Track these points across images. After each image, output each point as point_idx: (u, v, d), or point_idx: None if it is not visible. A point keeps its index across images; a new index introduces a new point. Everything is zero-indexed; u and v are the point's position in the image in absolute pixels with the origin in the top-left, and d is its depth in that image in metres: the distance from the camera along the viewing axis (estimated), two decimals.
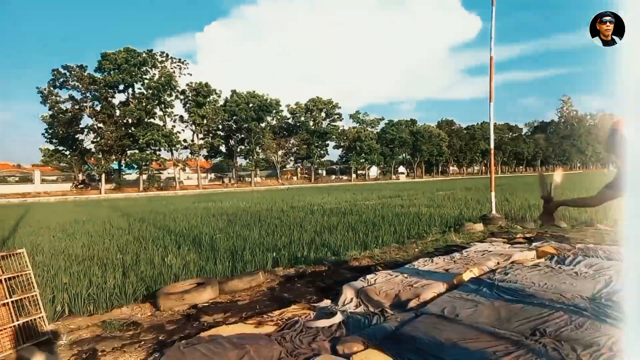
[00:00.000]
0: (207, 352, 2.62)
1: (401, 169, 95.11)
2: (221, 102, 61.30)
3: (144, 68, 52.41)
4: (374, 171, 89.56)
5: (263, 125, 65.27)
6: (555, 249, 6.17)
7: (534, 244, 6.90)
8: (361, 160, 76.46)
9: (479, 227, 9.41)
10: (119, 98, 53.74)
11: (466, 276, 4.60)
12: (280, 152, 72.25)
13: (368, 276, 4.65)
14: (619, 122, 2.76)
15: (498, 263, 5.34)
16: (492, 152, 10.74)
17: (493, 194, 10.74)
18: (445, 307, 3.54)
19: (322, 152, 74.38)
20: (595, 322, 3.04)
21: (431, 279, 4.48)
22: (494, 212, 10.54)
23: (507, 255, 5.65)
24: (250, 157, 65.41)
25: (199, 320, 3.78)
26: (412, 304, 3.77)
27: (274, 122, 69.10)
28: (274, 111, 65.65)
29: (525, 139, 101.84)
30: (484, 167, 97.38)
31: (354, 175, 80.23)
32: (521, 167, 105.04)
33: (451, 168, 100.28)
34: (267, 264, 6.15)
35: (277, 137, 70.07)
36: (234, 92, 62.85)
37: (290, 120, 72.34)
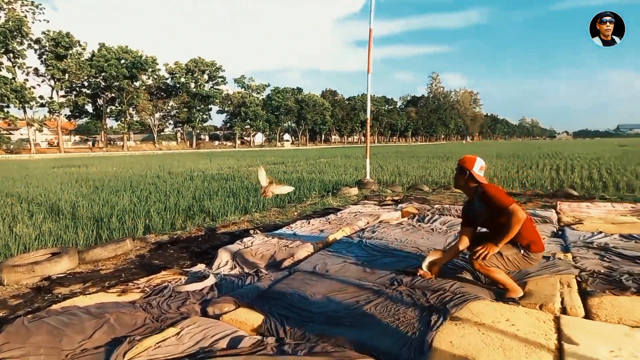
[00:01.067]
0: (59, 325, 2.36)
1: (286, 136, 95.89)
2: (87, 56, 54.28)
3: None
4: (259, 138, 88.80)
5: (137, 84, 59.68)
6: (417, 209, 6.83)
7: (400, 205, 7.56)
8: (246, 127, 75.04)
9: (355, 191, 9.99)
10: None
11: (338, 235, 4.86)
12: (157, 115, 67.10)
13: (245, 239, 4.64)
14: (467, 161, 3.12)
15: (368, 223, 5.74)
16: (369, 121, 11.35)
17: (368, 160, 11.43)
18: (317, 264, 3.70)
19: (204, 116, 70.91)
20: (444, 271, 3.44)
21: (306, 239, 4.64)
22: (368, 177, 11.26)
23: (376, 215, 6.10)
24: (123, 119, 59.67)
25: (52, 293, 3.40)
26: (286, 263, 3.86)
27: (150, 81, 63.53)
28: (150, 70, 60.19)
29: (399, 111, 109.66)
30: (362, 137, 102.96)
31: (238, 142, 78.59)
32: (395, 137, 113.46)
33: (333, 137, 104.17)
34: (137, 231, 5.76)
35: (154, 98, 64.74)
36: (102, 45, 55.92)
37: (169, 81, 67.18)
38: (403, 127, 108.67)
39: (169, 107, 68.23)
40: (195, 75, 67.03)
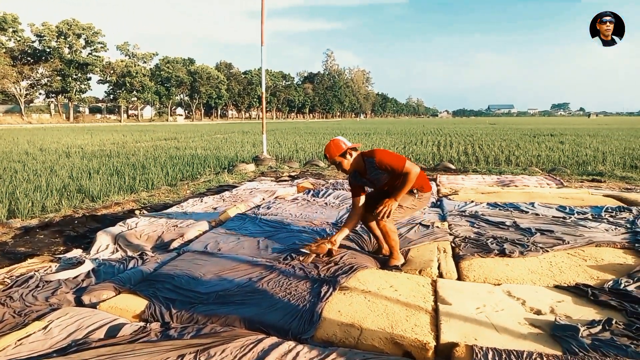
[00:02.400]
0: None
1: (179, 110, 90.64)
2: None
3: None
4: (148, 112, 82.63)
5: None
6: (312, 184, 6.96)
7: (296, 181, 7.64)
8: (132, 99, 69.08)
9: (251, 167, 9.85)
10: None
11: (232, 212, 4.74)
12: (24, 83, 58.52)
13: (128, 220, 4.29)
14: (335, 147, 3.10)
15: (263, 199, 5.70)
16: (264, 95, 11.17)
17: (265, 136, 11.31)
18: (208, 243, 3.57)
19: (82, 86, 63.47)
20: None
21: (198, 218, 4.44)
22: (265, 153, 11.16)
23: (272, 191, 6.08)
24: None
25: None
26: (175, 244, 3.66)
27: (12, 44, 54.83)
28: (11, 30, 51.94)
29: (296, 87, 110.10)
30: (261, 112, 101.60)
31: (124, 115, 72.30)
32: (293, 113, 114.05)
33: (230, 112, 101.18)
34: None
35: (19, 63, 56.18)
36: None
37: (36, 45, 58.66)
38: (300, 104, 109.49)
39: (38, 75, 59.78)
40: (69, 39, 59.38)
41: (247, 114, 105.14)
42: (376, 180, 3.14)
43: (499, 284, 2.73)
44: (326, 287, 2.56)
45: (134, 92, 67.61)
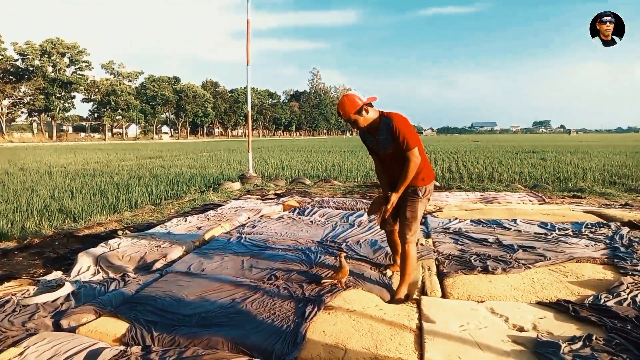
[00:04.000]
0: None
1: (165, 128, 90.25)
2: None
3: None
4: (133, 130, 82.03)
5: None
6: (298, 202, 6.96)
7: (282, 199, 7.62)
8: (117, 117, 68.66)
9: (237, 185, 9.82)
10: None
11: (217, 232, 4.71)
12: (5, 102, 57.66)
13: (111, 241, 4.23)
14: (351, 102, 2.74)
15: (249, 218, 5.67)
16: (249, 113, 11.21)
17: (250, 154, 11.31)
18: (191, 263, 3.53)
19: (66, 105, 62.85)
20: (322, 259, 3.55)
21: (182, 238, 4.40)
22: (251, 171, 11.14)
23: (257, 210, 6.05)
24: None
25: None
26: (158, 264, 3.61)
27: None
28: None
29: (282, 105, 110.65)
30: (247, 130, 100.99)
31: (108, 134, 71.63)
32: (279, 131, 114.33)
33: (217, 130, 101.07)
34: None
35: (0, 82, 55.51)
36: None
37: (19, 63, 58.09)
38: (287, 122, 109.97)
39: (20, 94, 59.07)
40: (53, 58, 59.06)
41: (234, 132, 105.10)
42: (382, 146, 2.86)
43: (482, 301, 2.75)
44: (311, 307, 2.55)
45: (119, 111, 67.25)
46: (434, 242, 4.15)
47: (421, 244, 4.01)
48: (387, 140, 2.80)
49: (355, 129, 2.92)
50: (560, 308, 2.57)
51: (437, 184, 9.72)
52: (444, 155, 20.34)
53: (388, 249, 3.87)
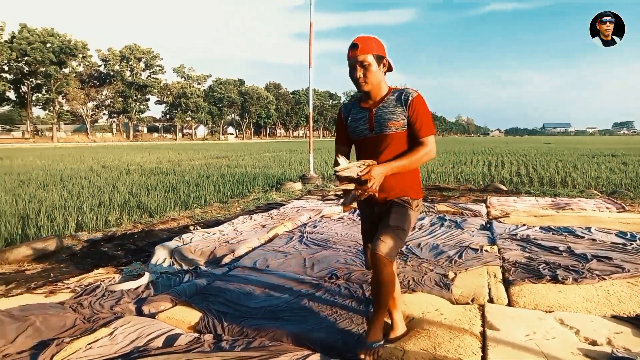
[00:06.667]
0: None
1: (230, 129, 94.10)
2: (6, 37, 49.73)
3: None
4: (201, 131, 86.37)
5: (67, 71, 55.68)
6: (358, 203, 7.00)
7: (342, 199, 7.70)
8: (187, 118, 72.67)
9: (298, 186, 10.05)
10: None
11: (280, 230, 4.89)
12: (90, 104, 63.19)
13: (184, 235, 4.54)
14: (377, 42, 2.07)
15: (310, 217, 5.81)
16: (311, 115, 11.42)
17: (311, 155, 11.52)
18: (257, 259, 3.71)
19: (141, 106, 67.69)
20: None
21: (248, 235, 4.62)
22: (312, 172, 11.35)
23: (318, 210, 6.19)
24: (51, 108, 55.52)
25: None
26: (226, 259, 3.83)
27: (81, 68, 59.53)
28: (81, 56, 56.40)
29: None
30: (308, 131, 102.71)
31: (179, 134, 76.04)
32: None
33: (279, 131, 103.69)
34: (67, 229, 5.44)
35: (86, 86, 60.81)
36: (24, 27, 51.41)
37: (102, 69, 63.38)
38: None
39: (102, 96, 64.49)
40: (130, 63, 63.82)
41: (295, 133, 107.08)
42: (376, 125, 2.08)
43: (550, 311, 2.65)
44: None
45: (189, 112, 71.14)
46: (499, 249, 4.02)
47: (486, 250, 3.91)
48: (391, 116, 2.05)
49: (356, 86, 2.08)
50: (639, 324, 2.42)
51: (504, 187, 9.34)
52: (512, 158, 19.41)
53: (450, 252, 3.84)
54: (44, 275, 3.66)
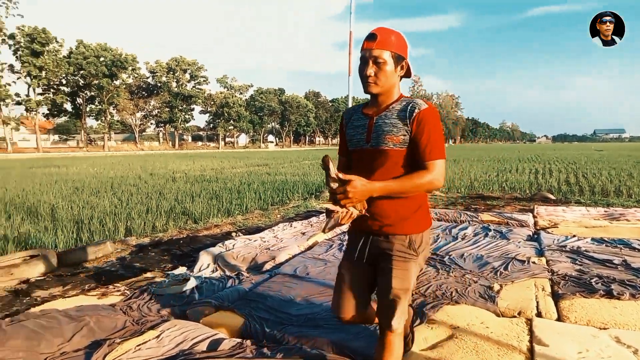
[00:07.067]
0: (37, 328, 2.35)
1: (270, 137, 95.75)
2: (64, 53, 53.14)
3: None
4: (243, 139, 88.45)
5: (117, 83, 58.73)
6: None
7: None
8: (229, 127, 74.66)
9: None
10: None
11: (319, 238, 4.91)
12: (138, 114, 66.32)
13: (227, 242, 4.65)
14: (400, 37, 1.75)
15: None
16: None
17: None
18: (297, 267, 3.74)
19: (186, 116, 70.28)
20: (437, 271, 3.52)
21: (288, 242, 4.67)
22: None
23: None
24: (103, 118, 58.70)
25: (31, 296, 3.36)
26: (267, 266, 3.89)
27: (131, 80, 62.69)
28: (131, 68, 59.35)
29: None
30: None
31: (222, 143, 78.17)
32: None
33: (318, 138, 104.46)
34: (117, 234, 5.71)
35: (135, 97, 63.94)
36: (80, 42, 54.80)
37: (150, 80, 66.41)
38: None
39: (150, 107, 67.56)
40: (176, 74, 66.53)
41: (334, 140, 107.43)
42: (374, 135, 1.71)
43: (605, 328, 2.51)
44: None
45: (231, 121, 73.06)
46: (547, 261, 3.86)
47: (533, 262, 3.76)
48: (391, 128, 1.69)
49: (363, 85, 1.73)
50: None
51: (552, 197, 8.95)
52: (560, 166, 18.58)
53: (495, 263, 3.72)
54: (96, 277, 3.85)
